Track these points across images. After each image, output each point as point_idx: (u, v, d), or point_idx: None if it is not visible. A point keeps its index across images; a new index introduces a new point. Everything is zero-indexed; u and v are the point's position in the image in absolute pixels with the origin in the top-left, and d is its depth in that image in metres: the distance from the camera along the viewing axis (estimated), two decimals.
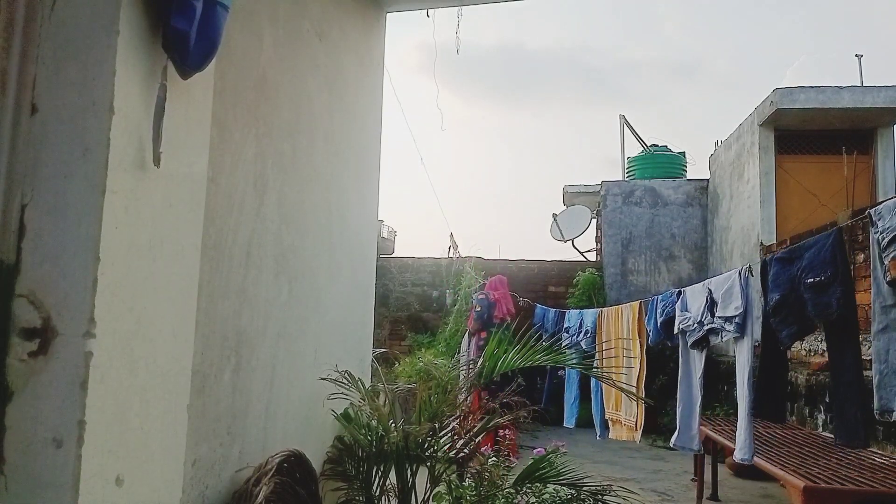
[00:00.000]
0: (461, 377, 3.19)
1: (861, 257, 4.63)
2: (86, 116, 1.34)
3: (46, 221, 1.33)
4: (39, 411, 1.28)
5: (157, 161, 1.45)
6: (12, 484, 1.28)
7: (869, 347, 2.75)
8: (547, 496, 2.83)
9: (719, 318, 3.92)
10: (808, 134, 7.44)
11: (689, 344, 4.36)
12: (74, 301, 1.30)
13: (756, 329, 3.77)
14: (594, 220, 9.90)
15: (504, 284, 6.81)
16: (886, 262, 2.62)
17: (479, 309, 6.37)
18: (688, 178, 9.63)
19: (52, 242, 1.32)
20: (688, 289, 4.47)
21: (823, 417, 5.21)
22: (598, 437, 5.70)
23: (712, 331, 4.05)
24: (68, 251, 1.31)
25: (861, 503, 3.08)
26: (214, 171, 1.90)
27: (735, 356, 3.92)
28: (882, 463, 3.72)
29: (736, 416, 3.92)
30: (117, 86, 1.35)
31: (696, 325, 4.20)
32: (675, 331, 4.50)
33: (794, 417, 5.63)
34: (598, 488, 2.70)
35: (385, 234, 10.79)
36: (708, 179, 9.14)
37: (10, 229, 1.34)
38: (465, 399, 2.84)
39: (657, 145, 10.25)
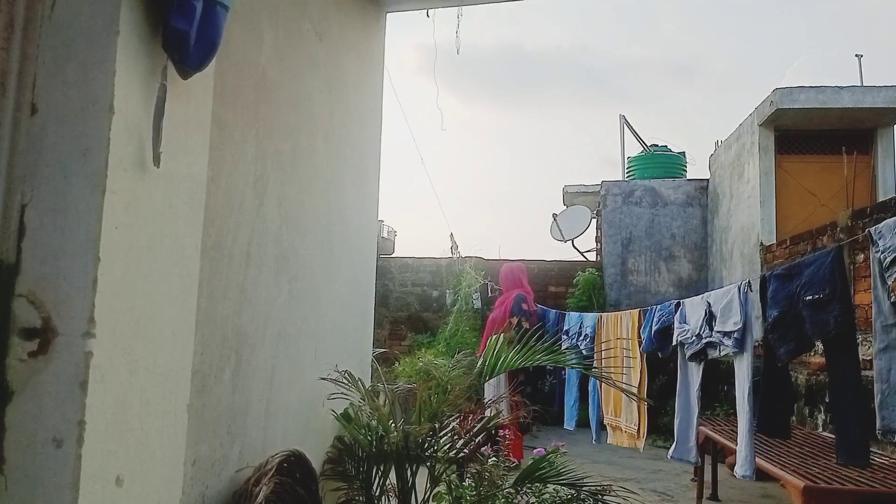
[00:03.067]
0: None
1: (861, 257, 4.62)
2: (86, 116, 1.34)
3: (46, 221, 1.33)
4: (39, 411, 1.28)
5: (157, 161, 1.45)
6: (12, 484, 1.28)
7: (869, 348, 2.75)
8: (547, 496, 2.83)
9: (718, 332, 3.91)
10: (808, 134, 7.44)
11: (687, 357, 4.36)
12: (74, 301, 1.30)
13: (757, 335, 3.76)
14: (594, 220, 9.89)
15: (524, 274, 6.06)
16: (889, 283, 2.61)
17: (526, 326, 5.32)
18: (688, 178, 9.62)
19: (52, 242, 1.32)
20: (687, 301, 4.46)
21: (823, 417, 5.20)
22: (592, 442, 5.68)
23: (710, 344, 4.05)
24: (68, 251, 1.31)
25: (861, 503, 3.08)
26: (214, 171, 1.90)
27: (734, 362, 3.91)
28: (882, 463, 3.72)
29: (735, 416, 3.92)
30: (117, 86, 1.35)
31: (694, 337, 4.19)
32: (674, 342, 4.49)
33: (794, 417, 5.63)
34: (598, 488, 2.70)
35: (385, 234, 10.79)
36: (708, 179, 9.14)
37: (10, 229, 1.34)
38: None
39: (657, 145, 10.25)
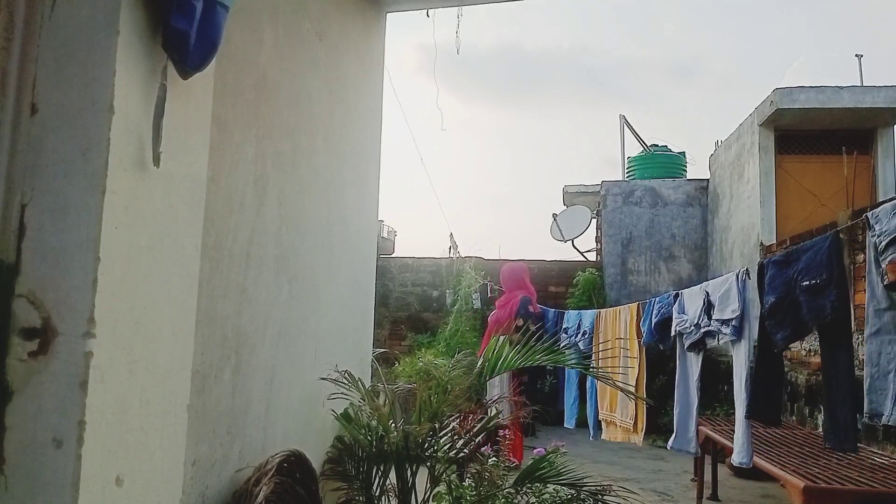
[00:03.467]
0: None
1: (861, 258, 4.62)
2: (86, 116, 1.34)
3: (46, 221, 1.33)
4: (39, 411, 1.28)
5: (157, 161, 1.45)
6: (12, 484, 1.28)
7: (862, 343, 2.76)
8: (547, 496, 2.83)
9: (716, 320, 3.91)
10: (808, 134, 7.44)
11: (685, 347, 4.36)
12: (74, 301, 1.30)
13: (754, 331, 3.77)
14: (594, 220, 9.90)
15: (527, 274, 5.95)
16: (883, 266, 2.63)
17: (531, 328, 5.25)
18: (688, 178, 9.62)
19: (52, 242, 1.32)
20: (685, 291, 4.47)
21: (823, 418, 5.20)
22: (590, 438, 5.69)
23: (709, 333, 4.05)
24: (68, 251, 1.31)
25: (861, 503, 3.08)
26: (214, 171, 1.90)
27: (731, 350, 3.92)
28: (882, 463, 3.72)
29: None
30: (117, 86, 1.35)
31: (692, 327, 4.20)
32: (672, 333, 4.49)
33: (794, 417, 5.63)
34: (598, 488, 2.70)
35: (385, 234, 10.79)
36: (708, 179, 9.14)
37: (10, 229, 1.34)
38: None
39: (657, 145, 10.25)
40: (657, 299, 4.85)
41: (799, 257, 3.20)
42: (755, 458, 3.65)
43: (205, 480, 1.97)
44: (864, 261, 4.45)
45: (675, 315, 4.46)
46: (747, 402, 3.56)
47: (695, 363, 4.30)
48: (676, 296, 4.53)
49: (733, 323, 3.75)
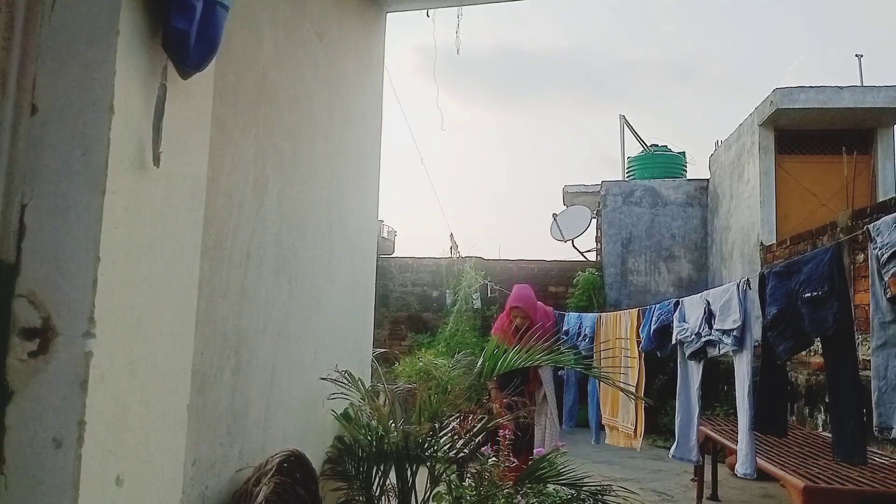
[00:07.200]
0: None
1: (861, 258, 4.62)
2: (86, 116, 1.34)
3: (46, 221, 1.33)
4: (39, 411, 1.28)
5: (157, 161, 1.45)
6: (12, 484, 1.28)
7: (869, 347, 2.75)
8: (547, 496, 2.83)
9: (717, 330, 3.90)
10: (808, 134, 7.44)
11: (686, 355, 4.35)
12: (74, 301, 1.30)
13: (756, 333, 3.76)
14: (594, 220, 9.90)
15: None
16: (886, 279, 2.61)
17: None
18: (688, 178, 9.63)
19: (52, 242, 1.32)
20: (686, 299, 4.46)
21: (823, 417, 5.20)
22: (592, 442, 5.68)
23: (710, 343, 4.04)
24: (68, 251, 1.31)
25: (861, 503, 3.08)
26: (214, 171, 1.90)
27: (733, 360, 3.91)
28: (882, 463, 3.72)
29: (735, 416, 3.92)
30: (117, 86, 1.35)
31: (693, 336, 4.19)
32: (673, 341, 4.49)
33: (794, 417, 5.63)
34: (598, 488, 2.70)
35: (385, 234, 10.79)
36: (708, 179, 9.14)
37: (10, 229, 1.34)
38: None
39: (657, 145, 10.26)
40: (657, 306, 4.84)
41: (800, 269, 3.18)
42: (755, 458, 3.64)
43: (205, 480, 1.97)
44: (865, 260, 4.45)
45: (675, 323, 4.45)
46: (753, 415, 3.54)
47: (696, 372, 4.29)
48: (677, 304, 4.52)
49: (734, 333, 3.74)
